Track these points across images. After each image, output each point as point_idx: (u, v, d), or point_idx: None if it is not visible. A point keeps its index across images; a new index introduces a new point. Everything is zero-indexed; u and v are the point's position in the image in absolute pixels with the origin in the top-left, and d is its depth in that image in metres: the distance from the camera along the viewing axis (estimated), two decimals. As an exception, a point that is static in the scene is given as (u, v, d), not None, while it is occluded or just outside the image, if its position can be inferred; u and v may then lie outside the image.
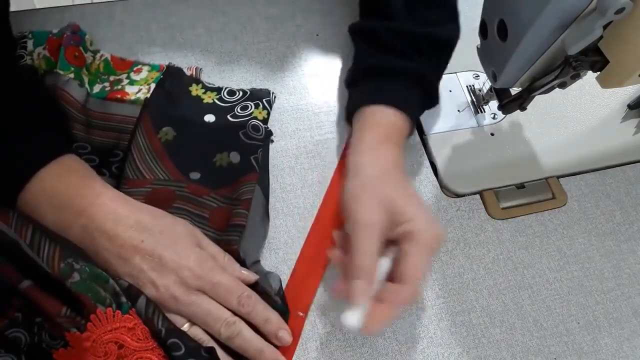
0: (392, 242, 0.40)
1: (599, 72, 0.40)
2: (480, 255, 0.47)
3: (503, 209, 0.49)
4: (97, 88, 0.49)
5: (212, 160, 0.46)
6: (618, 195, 0.52)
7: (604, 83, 0.40)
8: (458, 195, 0.50)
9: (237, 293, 0.38)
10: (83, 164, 0.40)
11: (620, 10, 0.33)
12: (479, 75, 0.56)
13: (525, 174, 0.51)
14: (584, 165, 0.53)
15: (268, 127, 0.49)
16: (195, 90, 0.51)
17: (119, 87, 0.49)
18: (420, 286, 0.39)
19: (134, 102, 0.47)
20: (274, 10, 0.59)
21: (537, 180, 0.51)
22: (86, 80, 0.48)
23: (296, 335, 0.40)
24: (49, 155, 0.38)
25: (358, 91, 0.49)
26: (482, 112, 0.55)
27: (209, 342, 0.37)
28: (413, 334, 0.42)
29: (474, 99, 0.55)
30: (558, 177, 0.52)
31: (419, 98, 0.47)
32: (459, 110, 0.55)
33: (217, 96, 0.50)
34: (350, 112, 0.49)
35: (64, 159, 0.38)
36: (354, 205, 0.40)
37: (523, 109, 0.47)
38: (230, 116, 0.49)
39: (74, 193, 0.37)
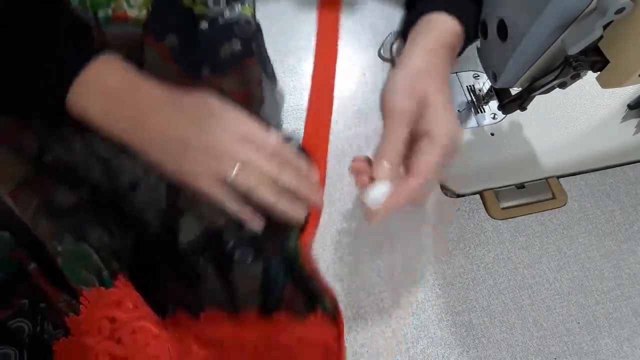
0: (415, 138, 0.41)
1: (599, 72, 0.40)
2: (480, 255, 0.47)
3: (503, 209, 0.49)
4: (101, 13, 0.50)
5: (218, 54, 0.48)
6: (618, 195, 0.52)
7: (604, 83, 0.40)
8: (458, 195, 0.50)
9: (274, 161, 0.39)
10: (125, 62, 0.42)
11: (620, 10, 0.33)
12: (479, 75, 0.56)
13: (525, 174, 0.51)
14: (584, 165, 0.53)
15: (257, 20, 0.52)
16: (187, 3, 0.53)
17: (121, 10, 0.50)
18: (429, 188, 0.40)
19: (136, 22, 0.49)
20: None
21: (537, 180, 0.51)
22: (90, 9, 0.50)
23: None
24: (96, 53, 0.40)
25: (416, 8, 0.47)
26: (482, 112, 0.55)
27: (257, 188, 0.38)
28: (413, 334, 0.42)
29: (474, 99, 0.55)
30: (558, 177, 0.52)
31: (474, 14, 0.46)
32: (459, 110, 0.55)
33: (206, 6, 0.53)
34: (406, 28, 0.47)
35: (108, 56, 0.41)
36: (390, 94, 0.40)
37: (523, 109, 0.47)
38: (222, 19, 0.51)
39: (122, 83, 0.39)
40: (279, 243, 0.42)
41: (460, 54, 0.48)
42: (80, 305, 0.34)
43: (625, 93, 0.57)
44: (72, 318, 0.34)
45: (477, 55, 0.46)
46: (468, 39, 0.46)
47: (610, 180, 0.52)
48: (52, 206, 0.38)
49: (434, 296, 0.44)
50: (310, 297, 0.42)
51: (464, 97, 0.55)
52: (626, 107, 0.57)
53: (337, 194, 0.49)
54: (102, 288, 0.35)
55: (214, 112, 0.40)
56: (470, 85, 0.56)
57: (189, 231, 0.41)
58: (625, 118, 0.56)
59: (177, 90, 0.40)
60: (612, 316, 0.45)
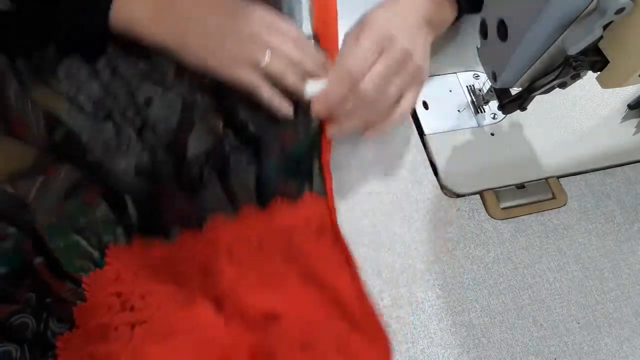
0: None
1: (599, 72, 0.40)
2: (480, 255, 0.47)
3: (503, 209, 0.49)
4: None
5: None
6: (618, 195, 0.52)
7: (604, 83, 0.40)
8: (458, 195, 0.50)
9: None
10: None
11: (620, 10, 0.33)
12: (479, 75, 0.56)
13: (525, 174, 0.51)
14: (584, 165, 0.53)
15: None
16: None
17: None
18: (369, 84, 0.42)
19: None
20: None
21: (537, 180, 0.51)
22: None
23: None
24: None
25: None
26: (482, 112, 0.55)
27: (286, 74, 0.42)
28: (413, 334, 0.42)
29: (474, 99, 0.55)
30: (558, 177, 0.52)
31: None
32: (459, 110, 0.55)
33: None
34: None
35: None
36: None
37: (523, 109, 0.47)
38: None
39: None
40: (282, 144, 0.45)
41: (456, 20, 0.49)
42: (84, 291, 0.36)
43: (625, 93, 0.57)
44: (79, 306, 0.35)
45: (477, 55, 0.46)
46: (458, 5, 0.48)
47: (610, 180, 0.52)
48: (48, 197, 0.38)
49: (434, 296, 0.44)
50: (300, 180, 0.44)
51: (464, 97, 0.55)
52: (626, 107, 0.57)
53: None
54: (97, 269, 0.37)
55: (241, 8, 0.43)
56: (470, 85, 0.56)
57: (196, 146, 0.43)
58: (625, 118, 0.56)
59: None
60: (612, 316, 0.45)
